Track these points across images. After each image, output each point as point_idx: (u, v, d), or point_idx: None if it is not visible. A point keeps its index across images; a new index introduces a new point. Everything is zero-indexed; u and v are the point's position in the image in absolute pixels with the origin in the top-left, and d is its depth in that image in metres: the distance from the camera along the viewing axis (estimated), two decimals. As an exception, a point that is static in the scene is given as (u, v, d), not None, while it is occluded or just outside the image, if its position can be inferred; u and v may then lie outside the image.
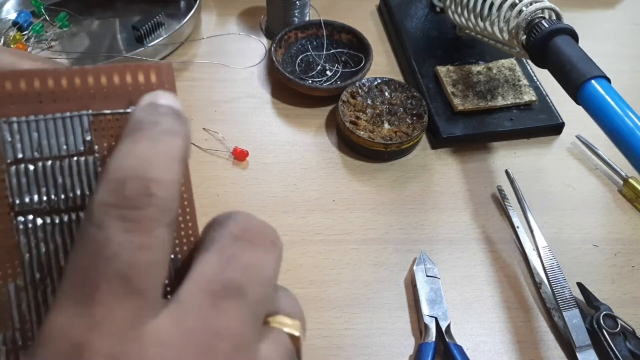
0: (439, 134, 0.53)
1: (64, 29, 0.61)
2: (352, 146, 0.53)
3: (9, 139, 0.18)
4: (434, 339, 0.40)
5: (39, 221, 0.18)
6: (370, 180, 0.51)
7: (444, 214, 0.49)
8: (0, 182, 0.18)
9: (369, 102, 0.54)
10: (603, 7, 0.72)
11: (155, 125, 0.18)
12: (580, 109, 0.42)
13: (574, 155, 0.55)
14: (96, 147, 0.19)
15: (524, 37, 0.47)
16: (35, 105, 0.18)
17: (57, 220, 0.19)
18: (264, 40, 0.63)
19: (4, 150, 0.18)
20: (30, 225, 0.18)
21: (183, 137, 0.18)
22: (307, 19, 0.63)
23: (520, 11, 0.47)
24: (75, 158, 0.19)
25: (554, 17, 0.46)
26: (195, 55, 0.61)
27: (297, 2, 0.60)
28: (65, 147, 0.19)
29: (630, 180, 0.51)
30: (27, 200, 0.18)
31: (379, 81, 0.55)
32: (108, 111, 0.19)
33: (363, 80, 0.55)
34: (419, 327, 0.42)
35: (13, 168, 0.18)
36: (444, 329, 0.40)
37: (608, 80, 0.41)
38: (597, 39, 0.67)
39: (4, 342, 0.18)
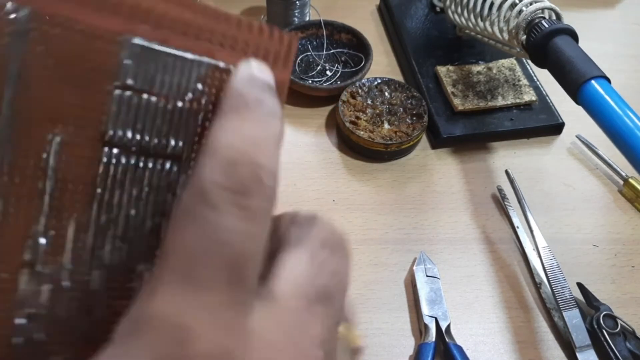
0: (439, 134, 0.53)
1: (64, 29, 0.61)
2: (352, 146, 0.53)
3: (127, 62, 0.16)
4: (434, 339, 0.40)
5: (123, 159, 0.17)
6: (370, 180, 0.51)
7: (444, 214, 0.49)
8: (99, 105, 0.16)
9: (369, 102, 0.54)
10: (603, 7, 0.72)
11: (260, 105, 0.17)
12: (580, 109, 0.42)
13: (574, 155, 0.55)
14: (203, 100, 0.18)
15: (524, 37, 0.46)
16: (165, 33, 0.17)
17: (141, 164, 0.17)
18: (264, 40, 0.63)
19: (118, 70, 0.16)
20: (113, 160, 0.17)
21: (281, 120, 0.18)
22: (307, 19, 0.63)
23: (520, 11, 0.47)
24: (180, 104, 0.17)
25: (554, 17, 0.46)
26: (195, 55, 0.61)
27: (297, 2, 0.60)
28: (175, 89, 0.17)
29: (630, 180, 0.51)
30: (119, 132, 0.17)
31: (379, 81, 0.55)
32: (223, 65, 0.18)
33: (363, 80, 0.55)
34: (419, 327, 0.42)
35: (118, 92, 0.16)
36: (444, 329, 0.40)
37: (608, 80, 0.41)
38: (597, 39, 0.67)
39: (51, 279, 0.16)
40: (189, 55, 0.17)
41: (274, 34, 0.18)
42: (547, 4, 0.46)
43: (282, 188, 0.52)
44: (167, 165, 0.18)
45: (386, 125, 0.52)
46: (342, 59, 0.61)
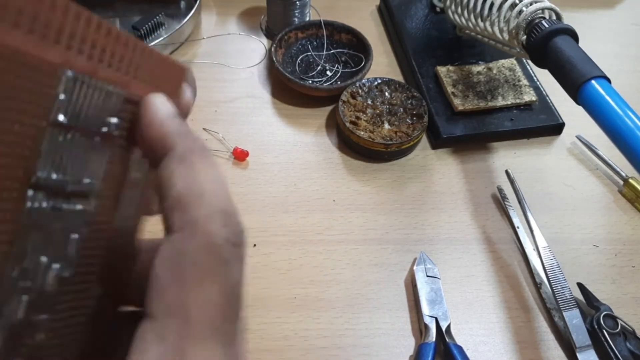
0: (439, 134, 0.53)
1: (64, 29, 0.61)
2: (352, 146, 0.53)
3: (62, 97, 0.15)
4: (434, 339, 0.40)
5: (44, 203, 0.15)
6: (370, 181, 0.51)
7: (444, 214, 0.49)
8: (31, 144, 0.14)
9: (369, 102, 0.54)
10: (603, 7, 0.72)
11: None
12: (580, 109, 0.42)
13: (574, 155, 0.55)
14: (116, 133, 0.18)
15: (524, 37, 0.46)
16: (95, 64, 0.16)
17: (58, 206, 0.16)
18: (264, 40, 0.63)
19: (52, 105, 0.15)
20: (36, 204, 0.15)
21: None
22: (307, 19, 0.63)
23: (521, 11, 0.47)
24: (97, 139, 0.17)
25: (554, 17, 0.46)
26: (195, 55, 0.61)
27: (297, 2, 0.60)
28: (94, 124, 0.17)
29: (630, 180, 0.51)
30: (45, 174, 0.15)
31: (379, 81, 0.55)
32: (136, 98, 0.18)
33: (363, 81, 0.55)
34: (419, 327, 0.42)
35: (50, 129, 0.15)
36: (444, 329, 0.40)
37: (608, 80, 0.41)
38: (597, 39, 0.67)
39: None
40: (110, 88, 0.17)
41: (173, 64, 0.20)
42: (547, 4, 0.46)
43: (282, 188, 0.53)
44: (79, 205, 0.17)
45: (386, 126, 0.52)
46: (342, 59, 0.61)
